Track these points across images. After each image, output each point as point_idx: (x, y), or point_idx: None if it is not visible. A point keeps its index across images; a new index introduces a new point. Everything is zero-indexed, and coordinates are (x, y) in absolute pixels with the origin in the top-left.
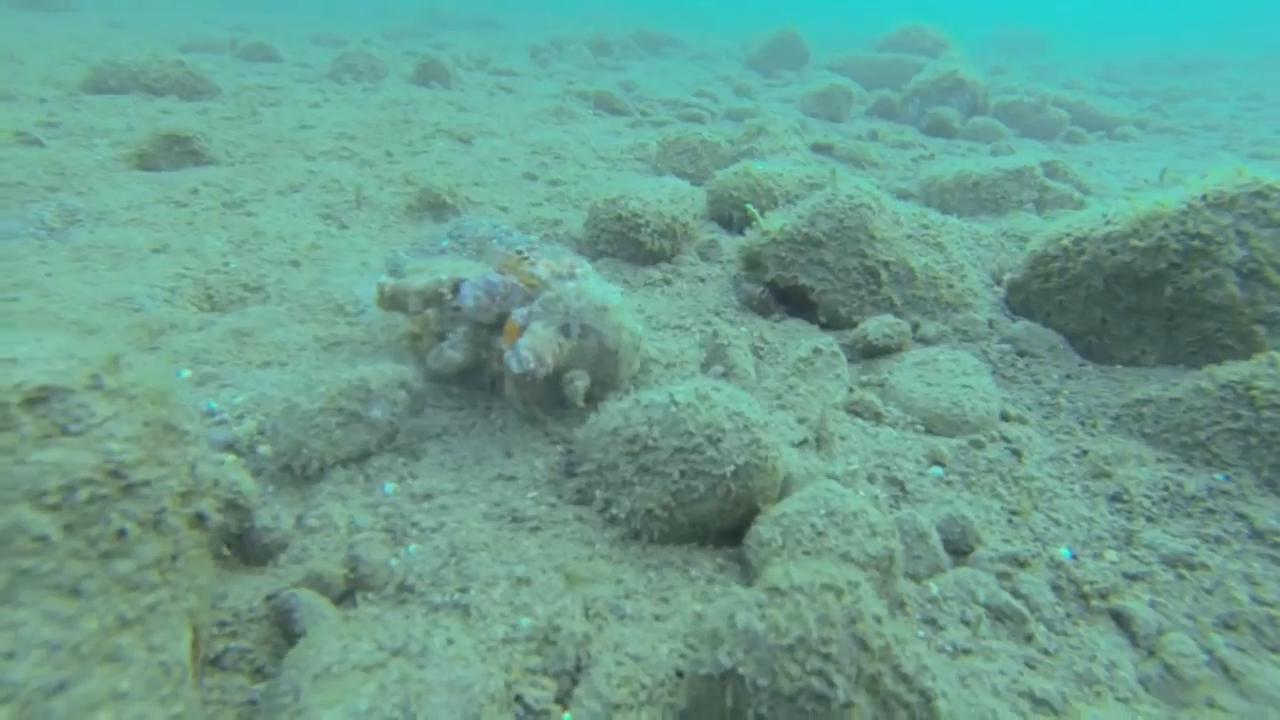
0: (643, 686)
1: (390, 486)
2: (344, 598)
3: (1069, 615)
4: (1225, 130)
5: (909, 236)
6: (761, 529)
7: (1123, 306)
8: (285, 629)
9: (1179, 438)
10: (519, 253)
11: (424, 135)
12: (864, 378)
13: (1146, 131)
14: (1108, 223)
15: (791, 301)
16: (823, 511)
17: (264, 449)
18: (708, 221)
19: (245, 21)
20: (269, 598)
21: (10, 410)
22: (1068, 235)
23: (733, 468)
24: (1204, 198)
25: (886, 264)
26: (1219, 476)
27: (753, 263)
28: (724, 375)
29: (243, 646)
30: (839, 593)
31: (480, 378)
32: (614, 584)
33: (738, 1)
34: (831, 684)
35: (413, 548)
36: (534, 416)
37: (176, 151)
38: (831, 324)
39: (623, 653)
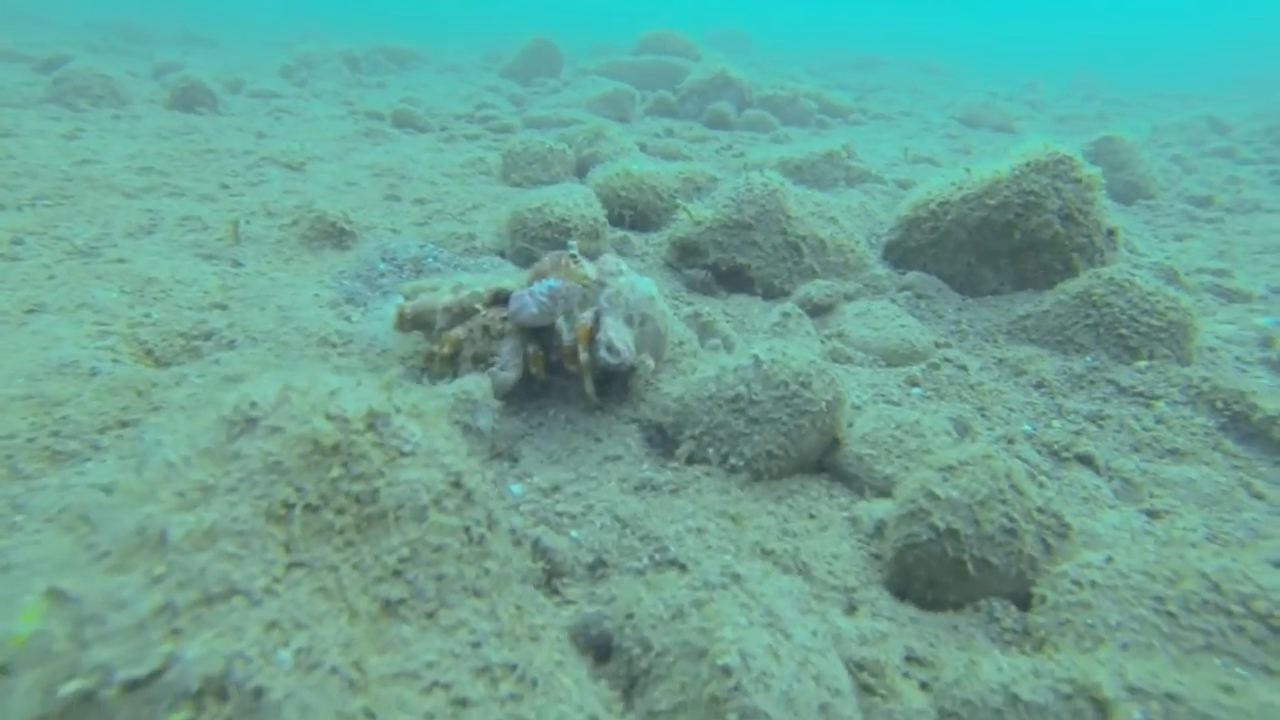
0: (847, 572)
1: (517, 488)
2: (541, 588)
3: (1054, 465)
4: (917, 116)
5: (811, 214)
6: (854, 448)
7: (983, 250)
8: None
9: (1054, 337)
10: (573, 256)
11: (248, 165)
12: (824, 331)
13: (869, 117)
14: (959, 188)
15: (728, 280)
16: (892, 425)
17: None
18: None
19: None
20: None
21: (358, 436)
22: (932, 200)
23: (825, 403)
24: (1028, 164)
25: (804, 238)
26: (1088, 359)
27: (689, 250)
28: (719, 346)
29: None
30: (990, 458)
31: (530, 386)
32: (768, 515)
33: (444, 15)
34: (1013, 519)
35: (575, 533)
36: (600, 405)
37: None
38: (768, 294)
39: (824, 554)
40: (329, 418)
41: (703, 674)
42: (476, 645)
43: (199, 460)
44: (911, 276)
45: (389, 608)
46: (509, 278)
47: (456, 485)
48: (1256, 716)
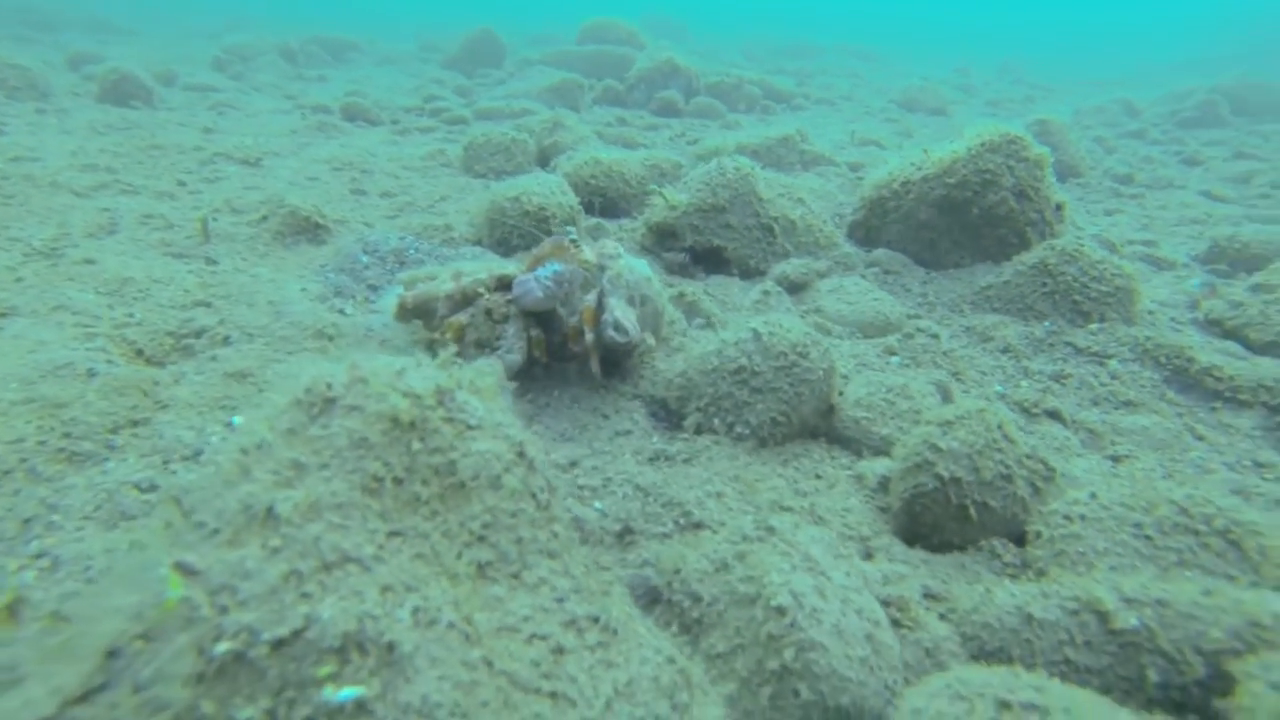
0: (860, 524)
1: None
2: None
3: (1026, 421)
4: (857, 100)
5: (781, 196)
6: (850, 412)
7: (943, 226)
8: None
9: (1015, 305)
10: (573, 241)
11: (201, 161)
12: (802, 307)
13: (811, 102)
14: (919, 169)
15: (705, 261)
16: (883, 390)
17: None
18: None
19: None
20: None
21: (431, 412)
22: (894, 180)
23: (822, 371)
24: (983, 145)
25: (776, 219)
26: (1046, 324)
27: (666, 233)
28: (706, 325)
29: None
30: (983, 411)
31: (532, 370)
32: (778, 478)
33: (374, 3)
34: (1007, 465)
35: (598, 504)
36: (604, 383)
37: None
38: (744, 274)
39: (837, 509)
40: (404, 395)
41: (757, 616)
42: (560, 600)
43: (285, 440)
44: (878, 253)
45: (481, 570)
46: (511, 264)
47: (521, 455)
48: (1230, 611)
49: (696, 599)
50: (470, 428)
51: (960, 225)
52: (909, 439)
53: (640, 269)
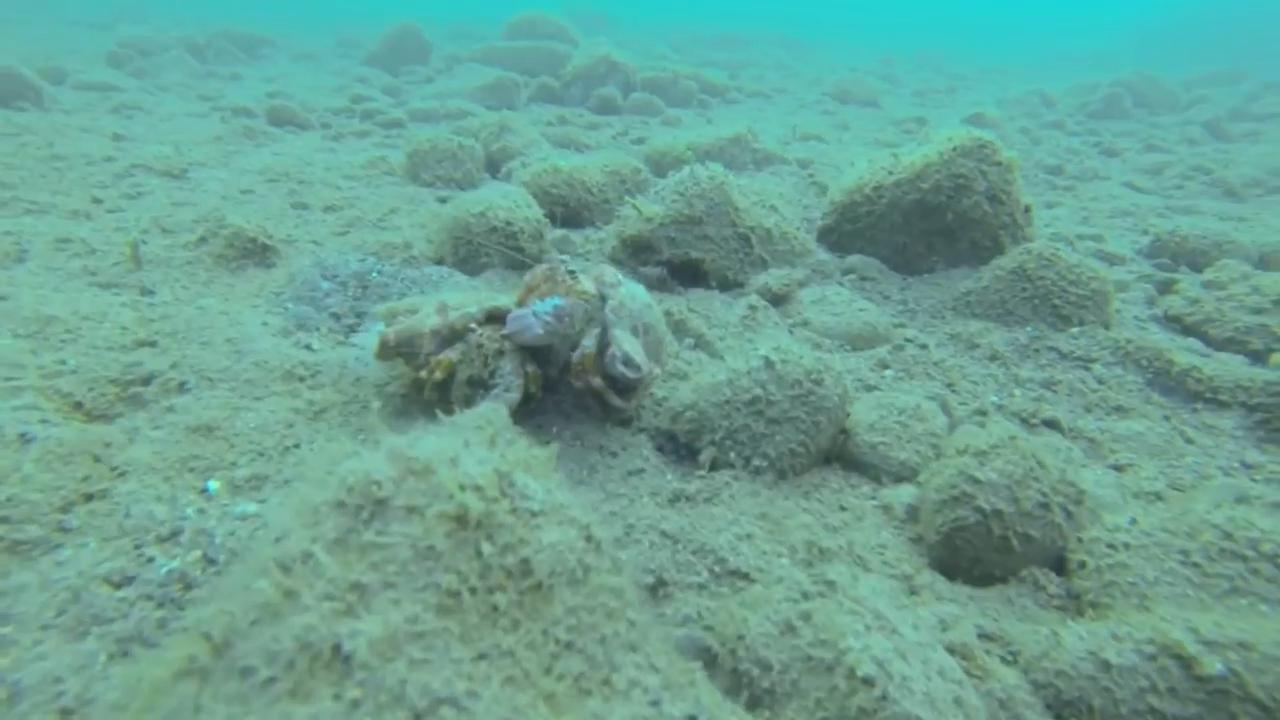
0: (900, 560)
1: None
2: None
3: (1026, 432)
4: (790, 93)
5: (754, 203)
6: (864, 437)
7: (917, 231)
8: None
9: (996, 310)
10: (570, 272)
11: (116, 174)
12: (788, 321)
13: (745, 95)
14: (890, 173)
15: (682, 275)
16: (895, 412)
17: None
18: None
19: None
20: None
21: (495, 505)
22: (866, 185)
23: (837, 397)
24: (955, 149)
25: (752, 229)
26: (1029, 329)
27: (641, 246)
28: (694, 345)
29: None
30: (1014, 438)
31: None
32: (803, 513)
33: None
34: (1045, 494)
35: (624, 554)
36: (627, 416)
37: None
38: (722, 287)
39: (872, 545)
40: (465, 488)
41: (839, 686)
42: (656, 704)
43: (336, 555)
44: (853, 260)
45: (575, 683)
46: (501, 295)
47: (589, 539)
48: None
49: (765, 666)
50: (534, 515)
51: (934, 230)
52: (943, 469)
53: (640, 295)
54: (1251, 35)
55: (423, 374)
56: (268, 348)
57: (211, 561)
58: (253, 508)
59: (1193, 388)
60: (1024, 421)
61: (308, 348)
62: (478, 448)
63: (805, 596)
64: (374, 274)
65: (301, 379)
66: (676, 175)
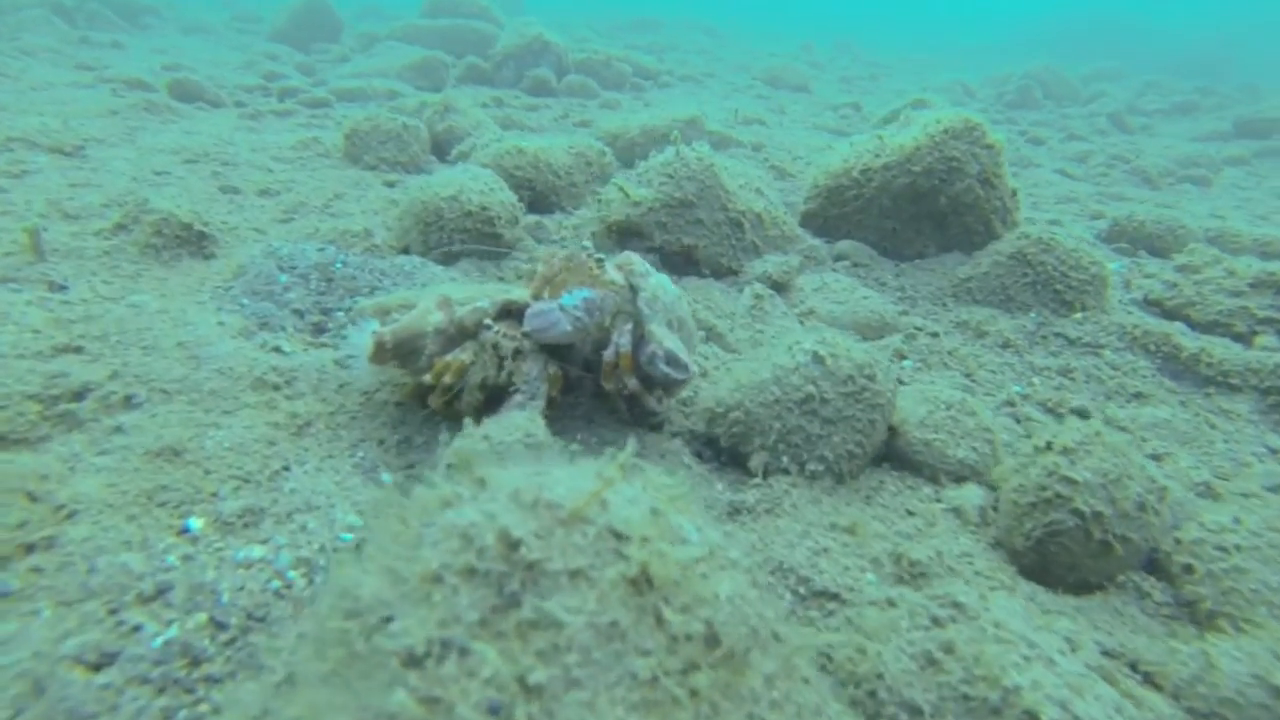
0: (993, 570)
1: None
2: None
3: (1055, 422)
4: (720, 77)
5: (742, 187)
6: (916, 434)
7: (907, 215)
8: None
9: (997, 297)
10: (598, 260)
11: None
12: (794, 310)
13: (676, 79)
14: (878, 155)
15: (674, 262)
16: (943, 407)
17: None
18: None
19: None
20: None
21: (665, 557)
22: (852, 168)
23: (889, 394)
24: (945, 131)
25: (744, 213)
26: (1033, 315)
27: (630, 232)
28: (706, 339)
29: None
30: (1102, 435)
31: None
32: (873, 521)
33: None
34: (1141, 494)
35: None
36: (635, 421)
37: None
38: (716, 274)
39: (955, 552)
40: (631, 539)
41: None
42: None
43: (485, 638)
44: (844, 245)
45: None
46: (515, 288)
47: (755, 583)
48: None
49: (915, 711)
50: (697, 562)
51: (925, 214)
52: (1026, 469)
53: (670, 287)
54: (1130, 37)
55: (426, 379)
56: (229, 351)
57: (222, 626)
58: (258, 551)
59: (1203, 372)
60: (1051, 411)
61: (277, 350)
62: (620, 482)
63: (936, 623)
64: (338, 265)
65: (276, 387)
66: (660, 156)
